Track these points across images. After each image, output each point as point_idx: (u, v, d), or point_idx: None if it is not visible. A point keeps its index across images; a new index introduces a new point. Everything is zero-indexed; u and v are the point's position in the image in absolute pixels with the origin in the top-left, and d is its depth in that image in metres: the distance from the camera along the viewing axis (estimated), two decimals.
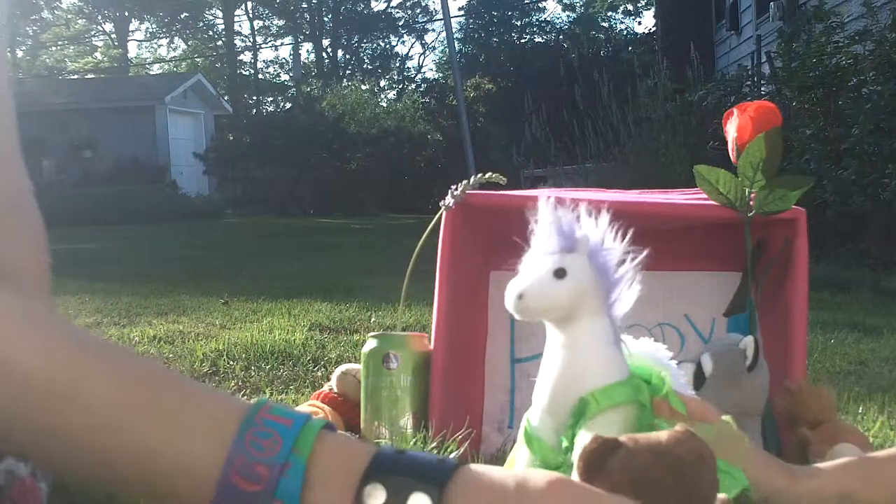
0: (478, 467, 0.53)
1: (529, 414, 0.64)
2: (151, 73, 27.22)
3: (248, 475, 0.51)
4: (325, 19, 27.39)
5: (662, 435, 0.54)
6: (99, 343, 0.59)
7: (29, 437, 0.55)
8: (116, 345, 0.61)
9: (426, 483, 0.51)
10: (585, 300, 0.60)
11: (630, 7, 25.12)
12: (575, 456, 0.57)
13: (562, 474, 0.52)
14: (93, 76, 25.03)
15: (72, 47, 27.03)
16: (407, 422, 1.16)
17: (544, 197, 0.61)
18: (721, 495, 0.54)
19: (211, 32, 28.81)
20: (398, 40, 33.63)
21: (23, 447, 0.57)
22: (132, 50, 29.60)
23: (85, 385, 0.55)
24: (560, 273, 0.60)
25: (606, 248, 0.61)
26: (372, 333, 1.21)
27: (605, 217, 0.61)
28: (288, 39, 29.26)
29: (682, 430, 0.54)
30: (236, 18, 27.47)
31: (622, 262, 0.61)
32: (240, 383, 1.82)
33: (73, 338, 0.58)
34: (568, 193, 1.22)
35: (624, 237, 0.61)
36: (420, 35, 29.50)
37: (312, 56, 28.77)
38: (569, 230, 0.61)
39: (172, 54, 30.22)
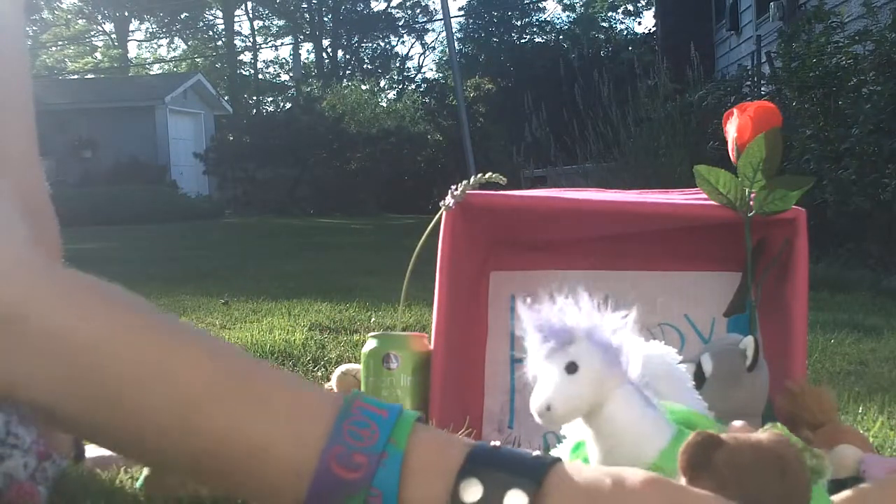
0: (573, 465, 0.53)
1: None
2: (151, 73, 27.21)
3: (346, 463, 0.51)
4: (325, 19, 27.39)
5: (761, 434, 0.54)
6: (185, 323, 0.59)
7: (112, 417, 0.54)
8: (198, 328, 0.61)
9: (523, 479, 0.50)
10: (606, 380, 0.59)
11: (630, 7, 25.13)
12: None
13: (658, 474, 0.52)
14: (93, 76, 25.03)
15: (72, 47, 27.03)
16: None
17: (522, 303, 0.60)
18: None
19: (211, 32, 28.82)
20: (398, 40, 33.64)
21: (101, 429, 0.56)
22: (132, 50, 29.64)
23: (176, 363, 0.54)
24: (572, 368, 0.59)
25: (598, 323, 0.60)
26: (372, 333, 1.21)
27: (583, 293, 0.60)
28: (288, 39, 29.29)
29: (777, 433, 0.54)
30: (236, 18, 27.49)
31: (616, 328, 0.60)
32: None
33: (157, 316, 0.57)
34: (568, 193, 1.22)
35: (606, 303, 0.60)
36: (420, 35, 29.54)
37: (312, 56, 28.79)
38: (559, 325, 0.59)
39: (172, 54, 30.26)
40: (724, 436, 0.53)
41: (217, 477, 0.56)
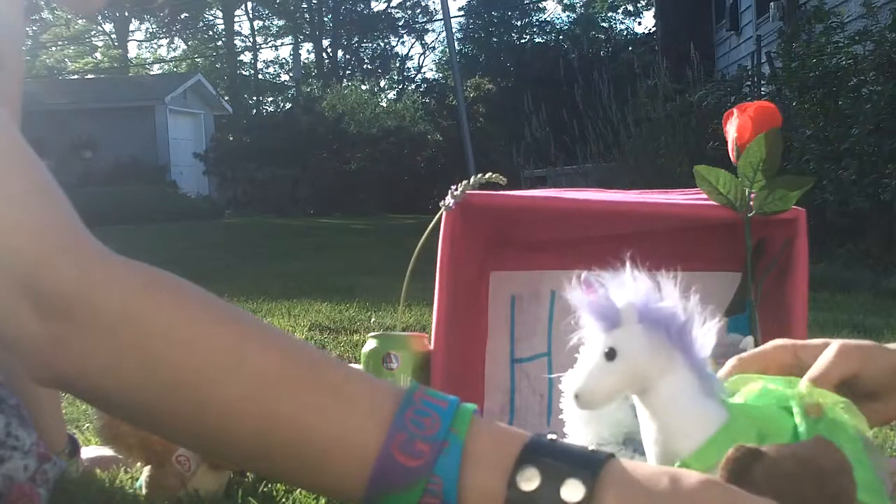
0: (628, 461, 0.53)
1: None
2: (151, 73, 27.20)
3: (408, 451, 0.52)
4: (325, 19, 27.39)
5: (803, 444, 0.54)
6: (249, 314, 0.59)
7: (184, 408, 0.54)
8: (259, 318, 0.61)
9: (580, 470, 0.50)
10: (649, 367, 0.56)
11: (630, 7, 25.12)
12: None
13: (714, 476, 0.52)
14: (93, 76, 25.01)
15: (72, 47, 27.03)
16: None
17: (575, 280, 0.58)
18: None
19: (211, 32, 28.82)
20: (398, 40, 33.62)
21: (173, 425, 0.56)
22: (132, 50, 29.65)
23: (248, 354, 0.54)
24: (611, 354, 0.56)
25: (656, 304, 0.57)
26: (372, 333, 1.21)
27: (642, 275, 0.57)
28: (288, 39, 29.27)
29: (822, 440, 0.54)
30: (236, 18, 27.51)
31: (681, 304, 0.57)
32: None
33: (222, 305, 0.57)
34: (568, 193, 1.22)
35: (674, 280, 0.58)
36: (420, 35, 29.52)
37: (312, 56, 28.78)
38: (607, 307, 0.57)
39: (172, 54, 30.25)
40: (764, 448, 0.53)
41: (285, 466, 0.56)
